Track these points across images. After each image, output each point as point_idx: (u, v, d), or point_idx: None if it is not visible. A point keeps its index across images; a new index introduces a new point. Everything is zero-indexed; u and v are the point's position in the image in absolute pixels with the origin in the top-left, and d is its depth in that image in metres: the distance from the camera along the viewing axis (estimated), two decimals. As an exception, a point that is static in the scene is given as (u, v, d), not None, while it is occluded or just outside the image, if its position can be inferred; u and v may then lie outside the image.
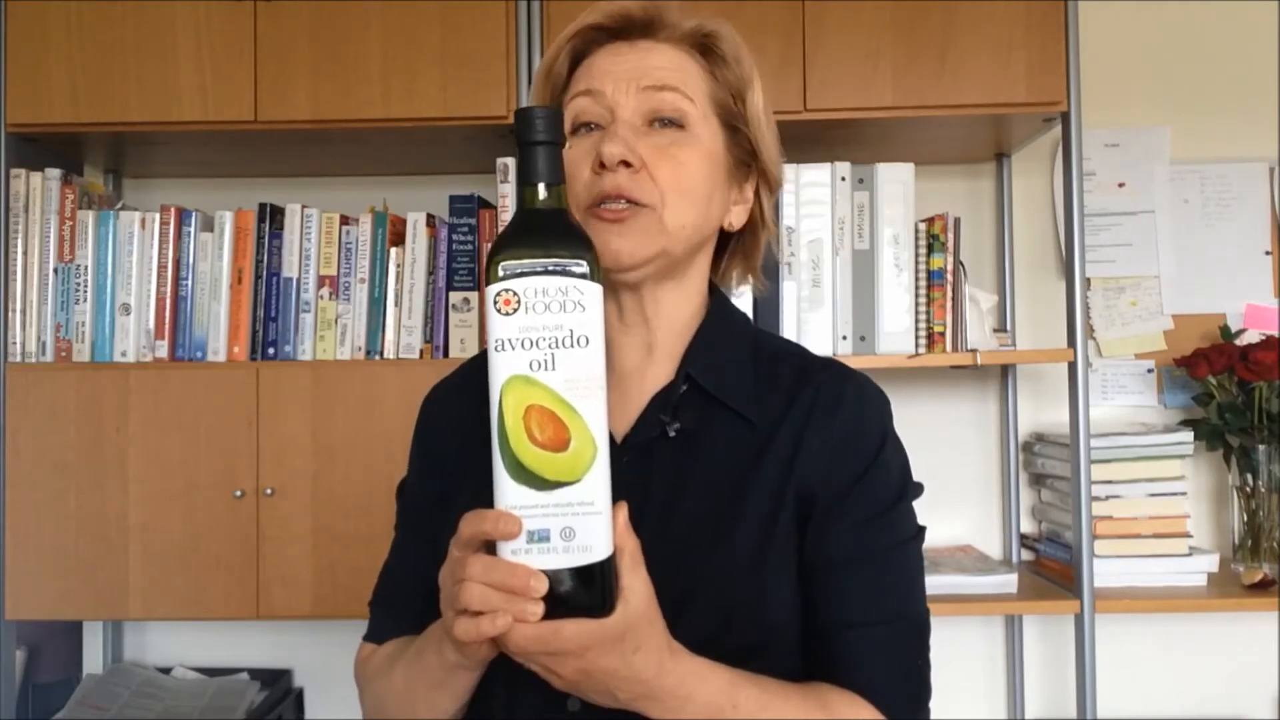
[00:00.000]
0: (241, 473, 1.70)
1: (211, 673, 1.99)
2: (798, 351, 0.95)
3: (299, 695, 2.03)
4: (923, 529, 0.90)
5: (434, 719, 0.84)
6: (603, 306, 0.70)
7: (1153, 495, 1.78)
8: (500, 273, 0.68)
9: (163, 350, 1.74)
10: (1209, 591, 1.75)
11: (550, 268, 0.68)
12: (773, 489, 0.85)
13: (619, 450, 0.86)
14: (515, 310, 0.68)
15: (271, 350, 1.74)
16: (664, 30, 0.88)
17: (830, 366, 0.92)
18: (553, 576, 0.67)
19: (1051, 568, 1.86)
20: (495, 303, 0.68)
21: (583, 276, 0.69)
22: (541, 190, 0.72)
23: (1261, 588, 1.74)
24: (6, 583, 1.71)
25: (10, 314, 1.73)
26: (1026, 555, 2.00)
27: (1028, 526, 2.03)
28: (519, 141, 0.72)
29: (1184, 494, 1.79)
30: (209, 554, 1.70)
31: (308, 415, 1.70)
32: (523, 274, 0.68)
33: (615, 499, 0.71)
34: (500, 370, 0.68)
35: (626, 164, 0.83)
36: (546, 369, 0.68)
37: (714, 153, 0.89)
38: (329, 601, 1.70)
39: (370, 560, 1.68)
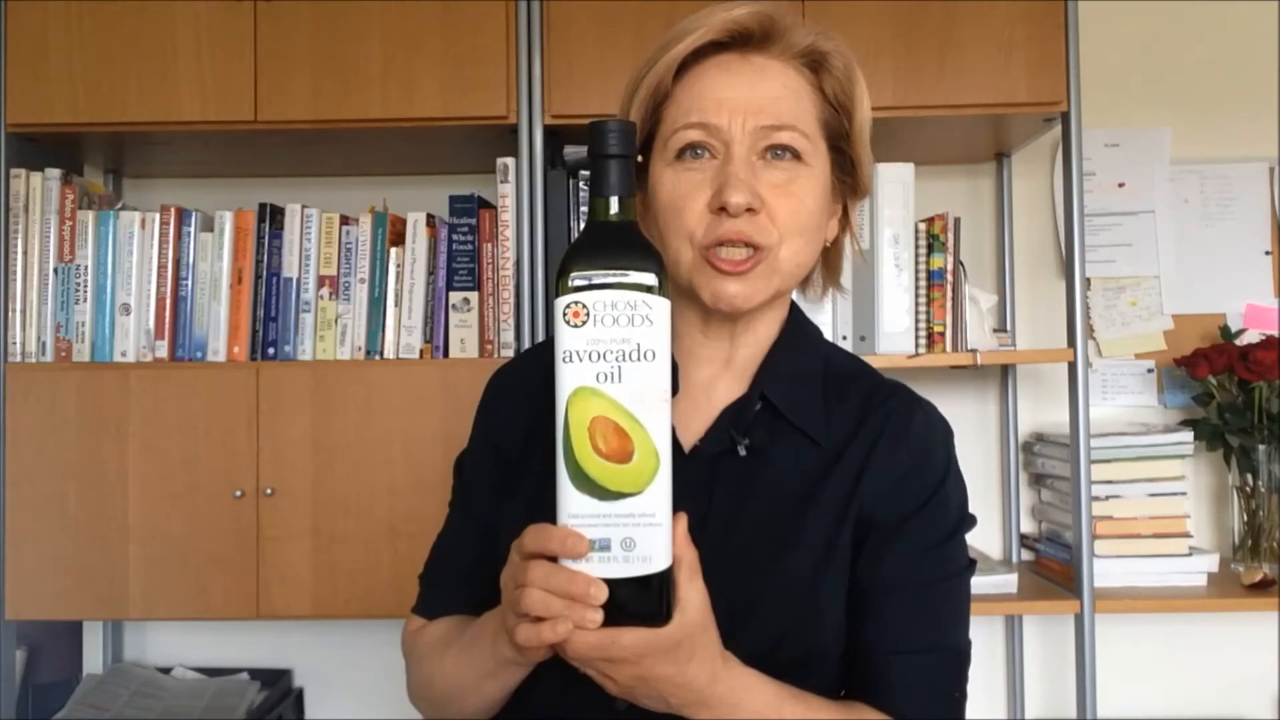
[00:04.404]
0: (241, 473, 1.70)
1: (211, 673, 1.99)
2: (867, 372, 0.95)
3: (299, 695, 2.03)
4: (973, 562, 0.91)
5: (481, 701, 0.86)
6: (670, 320, 0.70)
7: (1153, 495, 1.78)
8: (570, 285, 0.69)
9: (163, 350, 1.74)
10: (1209, 591, 1.75)
11: (619, 281, 0.69)
12: (834, 513, 0.85)
13: (685, 460, 0.86)
14: (584, 323, 0.69)
15: (271, 350, 1.74)
16: (777, 45, 0.86)
17: (898, 392, 0.92)
18: (612, 585, 0.68)
19: (1051, 568, 1.86)
20: (564, 315, 0.69)
21: (651, 290, 0.69)
22: (614, 204, 0.72)
23: (1261, 588, 1.74)
24: (6, 583, 1.71)
25: (10, 314, 1.73)
26: (1026, 555, 2.00)
27: (1028, 526, 2.03)
28: (591, 154, 0.73)
29: (1184, 494, 1.79)
30: (209, 554, 1.70)
31: (308, 415, 1.70)
32: (592, 287, 0.69)
33: (678, 509, 0.71)
34: (567, 381, 0.69)
35: (749, 209, 0.82)
36: (613, 381, 0.69)
37: (824, 180, 0.88)
38: (329, 601, 1.69)
39: (370, 560, 1.69)
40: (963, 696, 0.88)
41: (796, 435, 0.88)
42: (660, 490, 0.69)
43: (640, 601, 0.69)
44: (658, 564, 0.69)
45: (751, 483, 0.86)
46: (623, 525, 0.69)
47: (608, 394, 0.69)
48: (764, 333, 0.91)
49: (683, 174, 0.85)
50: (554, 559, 0.69)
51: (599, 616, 0.68)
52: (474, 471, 0.98)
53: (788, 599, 0.83)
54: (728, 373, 0.90)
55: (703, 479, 0.86)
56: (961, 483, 0.91)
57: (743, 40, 0.86)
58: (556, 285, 0.70)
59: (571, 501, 0.69)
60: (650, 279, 0.70)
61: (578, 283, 0.69)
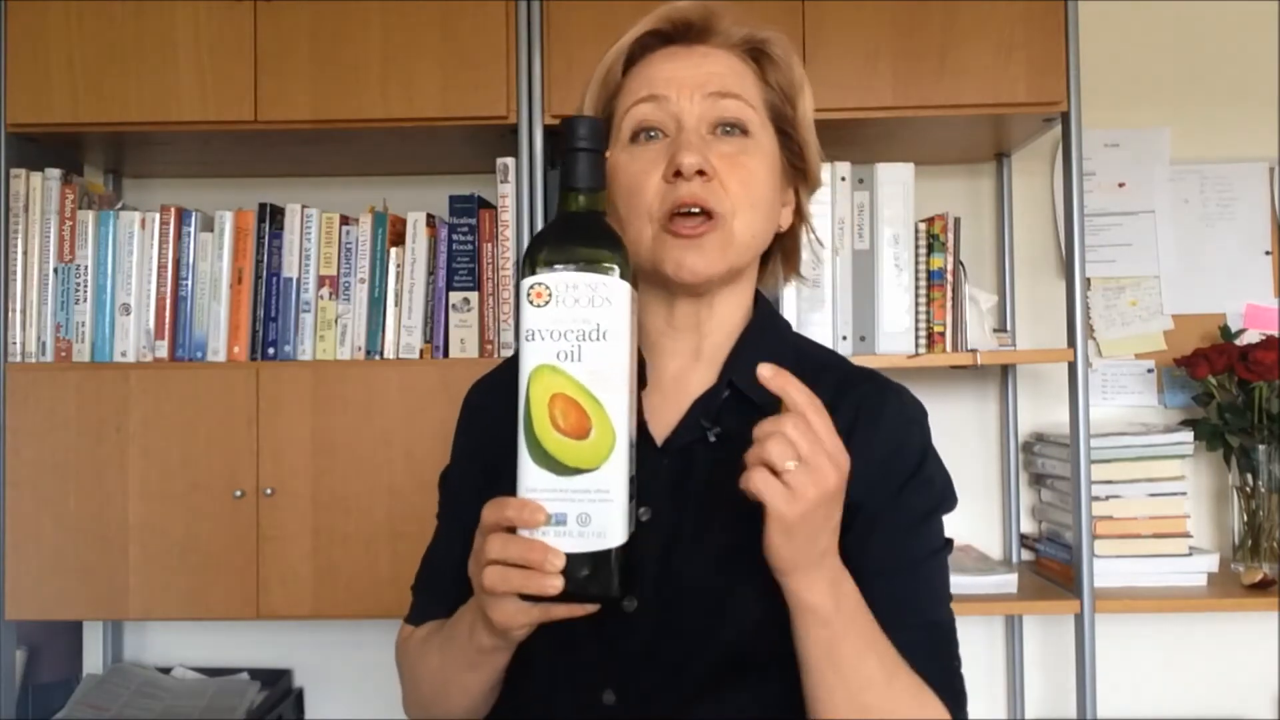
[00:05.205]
0: (241, 473, 1.70)
1: (211, 673, 1.99)
2: (839, 362, 0.96)
3: (299, 695, 2.03)
4: (950, 540, 0.92)
5: (465, 698, 0.87)
6: (630, 304, 0.73)
7: (1153, 495, 1.78)
8: (535, 267, 0.72)
9: (163, 350, 1.74)
10: (1209, 591, 1.75)
11: (582, 265, 0.72)
12: None
13: (659, 453, 0.87)
14: (546, 303, 0.71)
15: (271, 350, 1.74)
16: (718, 36, 0.89)
17: (872, 378, 0.93)
18: (568, 559, 0.70)
19: (1051, 568, 1.86)
20: (528, 295, 0.72)
21: (611, 274, 0.72)
22: (582, 195, 0.76)
23: (1261, 588, 1.74)
24: (6, 583, 1.71)
25: (10, 314, 1.73)
26: (1026, 555, 2.00)
27: (1028, 526, 2.03)
28: (563, 148, 0.76)
29: (1184, 494, 1.79)
30: (209, 554, 1.70)
31: (308, 415, 1.70)
32: (555, 269, 0.72)
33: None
34: (529, 359, 0.72)
35: (701, 173, 0.84)
36: (572, 360, 0.71)
37: (773, 157, 0.90)
38: (329, 601, 1.70)
39: (370, 560, 1.69)
40: (959, 663, 0.89)
41: None
42: (616, 468, 0.71)
43: (593, 577, 0.71)
44: (611, 540, 0.71)
45: (727, 472, 0.86)
46: (579, 500, 0.71)
47: (567, 372, 0.71)
48: (729, 320, 0.92)
49: (637, 154, 0.87)
50: (513, 532, 0.71)
51: (559, 582, 0.69)
52: (458, 480, 0.99)
53: (770, 582, 0.83)
54: (697, 364, 0.91)
55: (677, 470, 0.86)
56: (939, 461, 0.92)
57: (685, 32, 0.89)
58: (521, 268, 0.74)
59: (530, 476, 0.71)
60: (612, 262, 0.72)
61: (542, 265, 0.72)
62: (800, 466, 0.71)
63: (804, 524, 0.72)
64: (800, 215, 0.97)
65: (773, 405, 0.88)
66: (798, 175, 0.94)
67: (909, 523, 0.88)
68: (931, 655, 0.87)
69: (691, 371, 0.91)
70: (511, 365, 1.00)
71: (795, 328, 1.68)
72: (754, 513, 0.85)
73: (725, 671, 0.78)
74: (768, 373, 0.71)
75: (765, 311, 0.95)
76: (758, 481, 0.71)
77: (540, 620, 0.74)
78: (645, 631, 0.83)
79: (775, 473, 0.71)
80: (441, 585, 0.95)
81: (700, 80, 0.87)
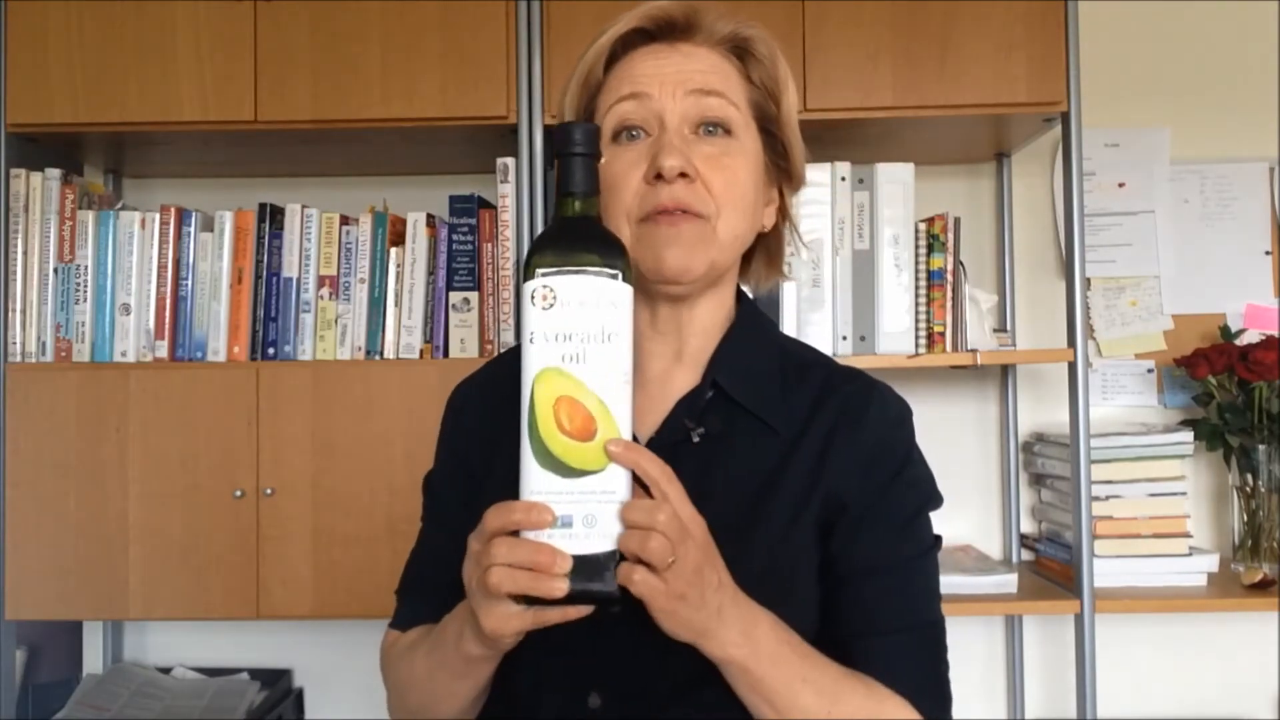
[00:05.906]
0: (241, 473, 1.70)
1: (211, 673, 2.00)
2: (823, 361, 0.96)
3: (299, 695, 2.03)
4: (939, 538, 0.92)
5: (454, 704, 0.86)
6: (633, 307, 0.73)
7: (1153, 495, 1.78)
8: (539, 271, 0.73)
9: (163, 350, 1.74)
10: (1209, 591, 1.75)
11: (586, 268, 0.72)
12: (795, 496, 0.86)
13: None
14: (551, 306, 0.72)
15: (271, 350, 1.74)
16: (702, 33, 0.88)
17: (856, 378, 0.93)
18: (575, 561, 0.70)
19: (1051, 568, 1.86)
20: (533, 298, 0.72)
21: (615, 278, 0.73)
22: (579, 200, 0.76)
23: (1261, 588, 1.74)
24: (6, 583, 1.71)
25: (10, 314, 1.73)
26: (1026, 555, 2.00)
27: (1028, 526, 2.03)
28: (558, 153, 0.77)
29: (1184, 494, 1.79)
30: (209, 554, 1.70)
31: (308, 415, 1.70)
32: (560, 273, 0.72)
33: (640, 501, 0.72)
34: (534, 362, 0.72)
35: (683, 174, 0.84)
36: (578, 362, 0.71)
37: (756, 157, 0.90)
38: (329, 601, 1.70)
39: (370, 560, 1.69)
40: (947, 668, 0.89)
41: (753, 422, 0.88)
42: (622, 468, 0.71)
43: (597, 578, 0.70)
44: (614, 541, 0.71)
45: (710, 472, 0.86)
46: (585, 502, 0.71)
47: (573, 374, 0.71)
48: (711, 321, 0.92)
49: (618, 153, 0.86)
50: (516, 535, 0.71)
51: (566, 585, 0.69)
52: (442, 485, 0.99)
53: (751, 582, 0.83)
54: (680, 365, 0.91)
55: None
56: (924, 460, 0.92)
57: (668, 29, 0.88)
58: (524, 271, 0.73)
59: (535, 479, 0.71)
60: (615, 267, 0.73)
61: (546, 269, 0.72)
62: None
63: (685, 604, 0.72)
64: (784, 214, 0.96)
65: (762, 407, 0.88)
66: (781, 174, 0.94)
67: (899, 521, 0.88)
68: (924, 658, 0.87)
69: (674, 371, 0.91)
70: (495, 364, 1.00)
71: (795, 328, 1.70)
72: (737, 513, 0.85)
73: (709, 670, 0.78)
74: (615, 448, 0.71)
75: (749, 311, 0.95)
76: (641, 586, 0.70)
77: (533, 626, 0.73)
78: (631, 633, 0.82)
79: (650, 564, 0.70)
80: (427, 589, 0.94)
81: (683, 78, 0.86)
